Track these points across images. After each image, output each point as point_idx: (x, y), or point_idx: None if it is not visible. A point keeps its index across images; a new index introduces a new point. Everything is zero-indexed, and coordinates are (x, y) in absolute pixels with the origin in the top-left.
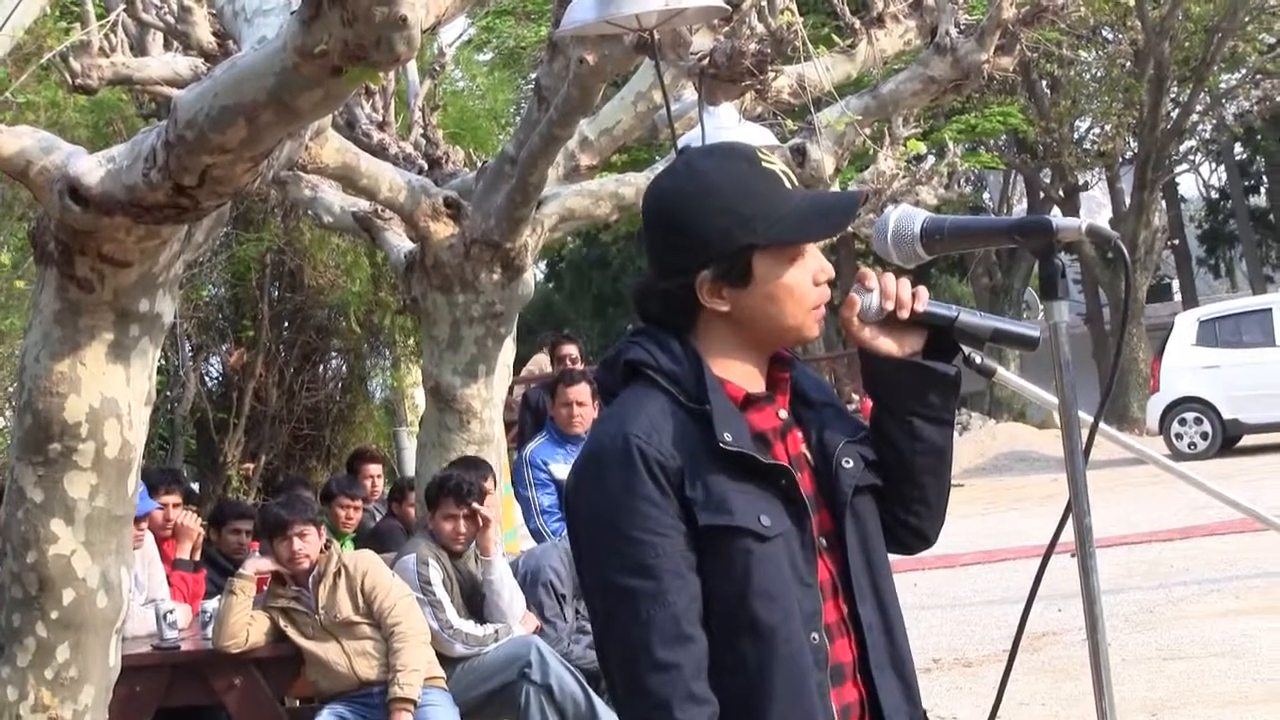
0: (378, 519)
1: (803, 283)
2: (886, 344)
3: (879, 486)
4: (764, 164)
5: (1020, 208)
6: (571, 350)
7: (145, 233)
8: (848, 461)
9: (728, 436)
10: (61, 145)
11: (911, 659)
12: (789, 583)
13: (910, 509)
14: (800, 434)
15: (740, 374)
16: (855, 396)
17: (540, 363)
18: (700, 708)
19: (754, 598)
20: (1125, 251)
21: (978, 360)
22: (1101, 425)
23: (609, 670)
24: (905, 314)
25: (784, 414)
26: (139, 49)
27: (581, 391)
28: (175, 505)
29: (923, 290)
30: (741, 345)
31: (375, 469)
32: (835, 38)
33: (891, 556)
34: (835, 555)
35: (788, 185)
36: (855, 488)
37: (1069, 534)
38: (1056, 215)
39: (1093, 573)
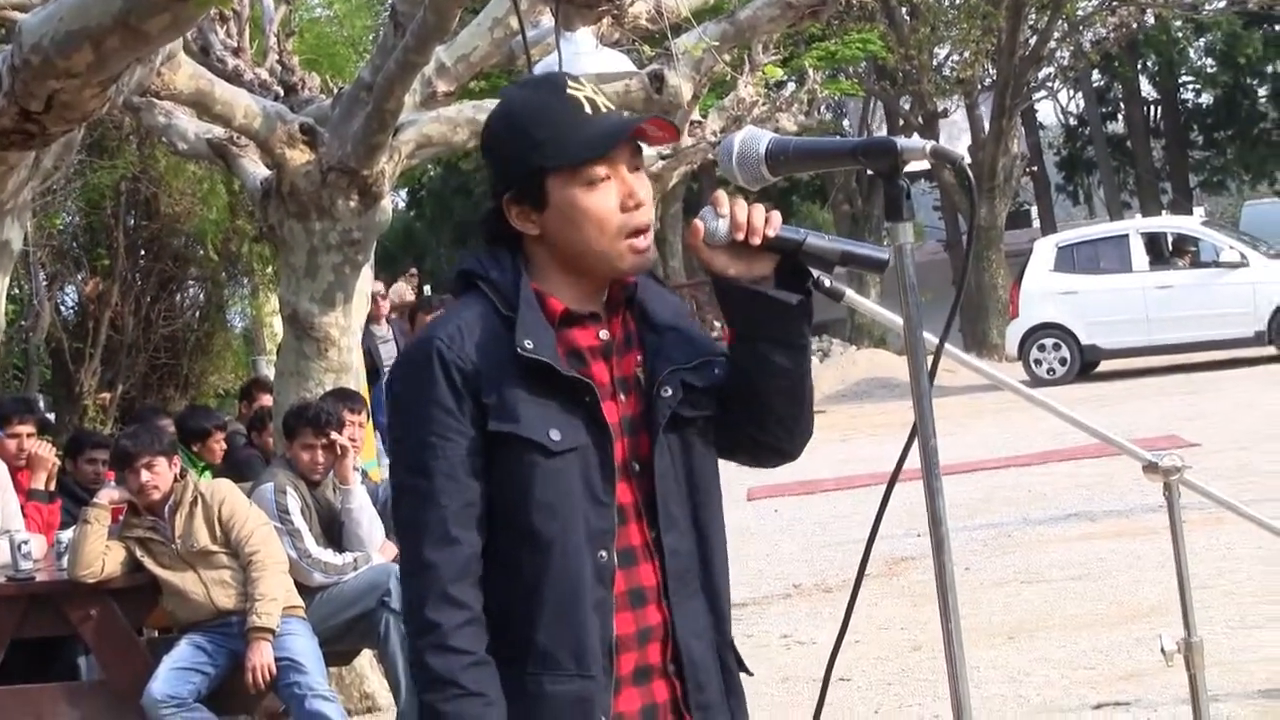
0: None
1: (599, 206)
2: (735, 268)
3: (709, 416)
4: (569, 91)
5: (881, 135)
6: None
7: None
8: (666, 390)
9: (528, 344)
10: None
11: (728, 589)
12: (578, 498)
13: (765, 429)
14: (640, 356)
15: (566, 292)
16: (717, 324)
17: (400, 291)
18: (455, 610)
19: (534, 509)
20: (969, 173)
21: (826, 283)
22: (959, 352)
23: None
24: (756, 240)
25: (605, 334)
26: None
27: None
28: (29, 435)
29: (775, 215)
30: (562, 269)
31: (268, 398)
32: None
33: (753, 484)
34: (646, 480)
35: (588, 111)
36: (676, 417)
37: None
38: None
39: (938, 495)
